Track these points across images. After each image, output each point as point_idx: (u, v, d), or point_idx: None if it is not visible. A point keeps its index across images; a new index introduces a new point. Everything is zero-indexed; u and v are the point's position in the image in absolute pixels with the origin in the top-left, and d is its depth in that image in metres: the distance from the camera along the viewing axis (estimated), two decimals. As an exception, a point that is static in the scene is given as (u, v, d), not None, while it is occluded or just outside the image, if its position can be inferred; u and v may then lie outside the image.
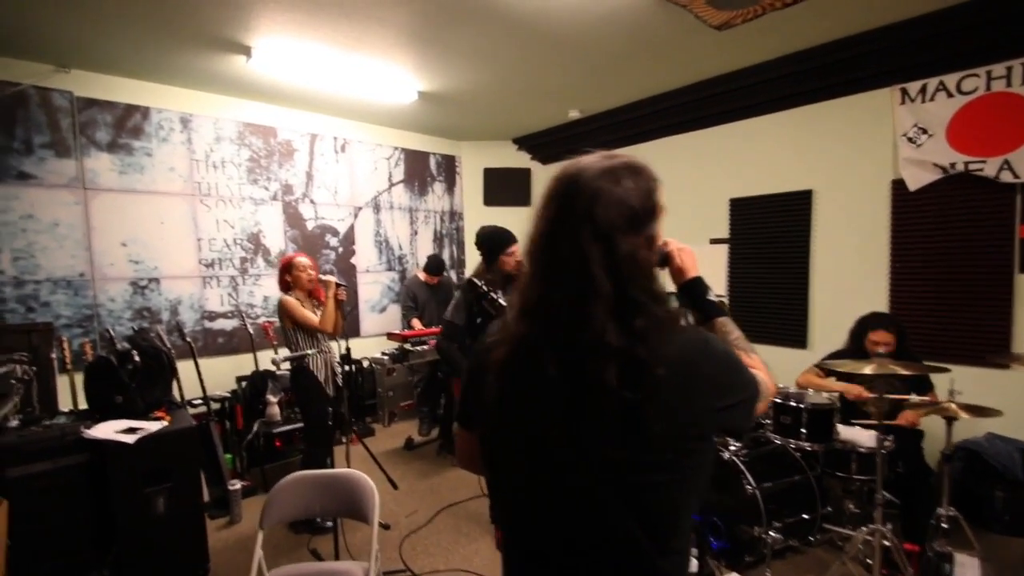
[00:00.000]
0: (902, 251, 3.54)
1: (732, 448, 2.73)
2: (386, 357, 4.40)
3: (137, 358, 2.71)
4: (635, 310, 0.73)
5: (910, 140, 3.40)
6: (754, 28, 3.15)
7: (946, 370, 2.31)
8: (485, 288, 2.27)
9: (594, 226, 0.75)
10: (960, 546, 2.43)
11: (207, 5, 2.82)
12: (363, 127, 5.24)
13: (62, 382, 3.23)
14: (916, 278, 3.49)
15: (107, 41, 3.25)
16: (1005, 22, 2.92)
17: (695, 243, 1.47)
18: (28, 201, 3.50)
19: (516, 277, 2.49)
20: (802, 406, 2.66)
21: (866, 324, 2.93)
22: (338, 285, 3.14)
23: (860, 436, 2.73)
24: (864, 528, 2.40)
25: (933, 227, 3.40)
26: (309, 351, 3.15)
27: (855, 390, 2.79)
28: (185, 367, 3.55)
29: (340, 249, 5.13)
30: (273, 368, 3.94)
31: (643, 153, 0.83)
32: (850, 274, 3.76)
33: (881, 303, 3.53)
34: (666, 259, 1.03)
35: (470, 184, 6.20)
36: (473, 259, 6.17)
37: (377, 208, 5.41)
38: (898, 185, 3.50)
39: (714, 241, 4.51)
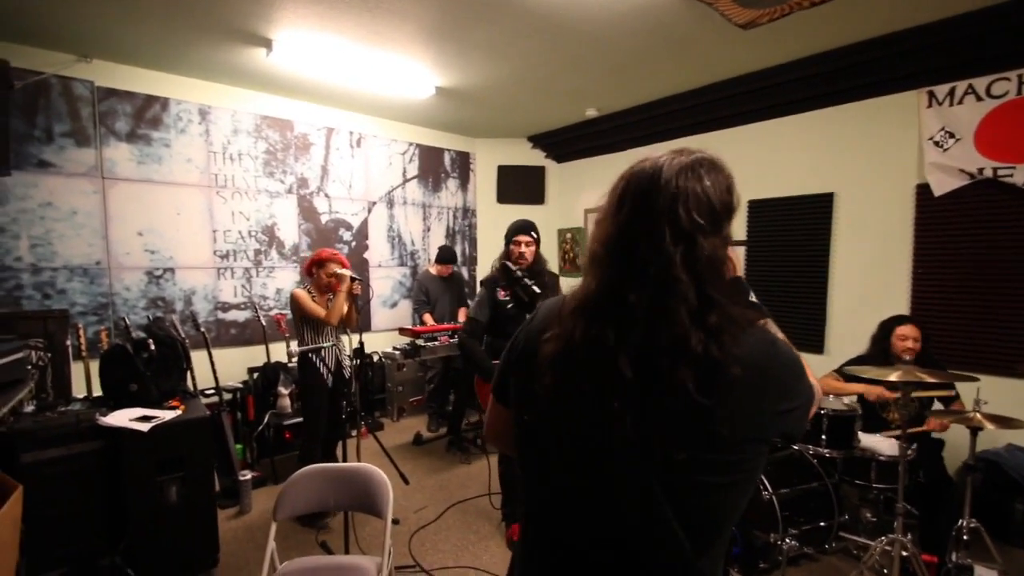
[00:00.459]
0: (925, 257, 3.47)
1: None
2: (397, 352, 4.40)
3: (152, 347, 2.72)
4: (711, 309, 0.71)
5: (936, 144, 3.33)
6: (780, 27, 3.10)
7: (975, 379, 2.26)
8: (519, 273, 2.26)
9: (677, 227, 0.72)
10: (981, 559, 2.38)
11: (229, -4, 2.82)
12: (379, 122, 5.24)
13: (76, 369, 3.25)
14: (940, 285, 3.42)
15: (129, 32, 3.26)
16: (1038, 25, 2.85)
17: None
18: (47, 189, 3.52)
19: (513, 268, 2.43)
20: (822, 412, 2.62)
21: (891, 323, 2.88)
22: (353, 279, 3.14)
23: (880, 444, 2.68)
24: (883, 538, 2.36)
25: (959, 233, 3.33)
26: (325, 344, 3.15)
27: (876, 389, 2.74)
28: (198, 357, 3.58)
29: (353, 243, 5.13)
30: (286, 360, 3.95)
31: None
32: (870, 279, 3.70)
33: (902, 309, 3.46)
34: None
35: (484, 181, 6.18)
36: (484, 255, 6.16)
37: (391, 203, 5.40)
38: (923, 190, 3.44)
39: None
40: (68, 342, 3.26)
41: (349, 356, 3.33)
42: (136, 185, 3.87)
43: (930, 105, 3.35)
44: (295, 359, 3.12)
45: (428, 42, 3.40)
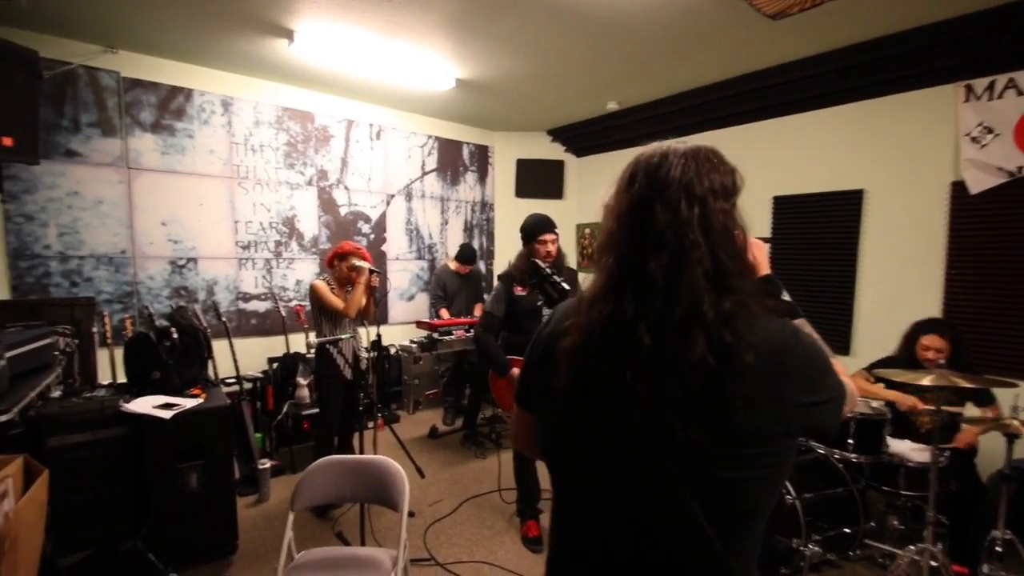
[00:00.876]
0: (960, 257, 3.34)
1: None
2: (414, 345, 4.40)
3: (175, 335, 2.75)
4: (727, 283, 0.72)
5: (973, 140, 3.21)
6: (811, 17, 3.00)
7: (1014, 384, 2.17)
8: (548, 271, 2.21)
9: (689, 192, 0.76)
10: (1015, 571, 2.30)
11: (253, -14, 2.83)
12: (398, 114, 5.23)
13: (102, 356, 3.31)
14: (975, 287, 3.29)
15: (154, 23, 3.29)
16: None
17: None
18: (74, 178, 3.58)
19: (538, 266, 2.38)
20: (850, 415, 2.54)
21: (918, 329, 2.79)
22: (372, 272, 3.14)
23: (911, 450, 2.60)
24: (912, 547, 2.28)
25: (996, 233, 3.19)
26: (343, 335, 3.15)
27: (909, 400, 2.65)
28: (219, 346, 3.62)
29: (371, 236, 5.14)
30: (304, 351, 3.98)
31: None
32: (900, 279, 3.58)
33: (933, 311, 3.35)
34: None
35: (502, 175, 6.15)
36: (502, 250, 6.13)
37: (409, 196, 5.40)
38: (958, 187, 3.31)
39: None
40: (94, 329, 3.32)
41: (366, 348, 3.34)
42: (160, 175, 3.91)
43: (967, 99, 3.22)
44: (313, 351, 3.14)
45: (449, 33, 3.37)
